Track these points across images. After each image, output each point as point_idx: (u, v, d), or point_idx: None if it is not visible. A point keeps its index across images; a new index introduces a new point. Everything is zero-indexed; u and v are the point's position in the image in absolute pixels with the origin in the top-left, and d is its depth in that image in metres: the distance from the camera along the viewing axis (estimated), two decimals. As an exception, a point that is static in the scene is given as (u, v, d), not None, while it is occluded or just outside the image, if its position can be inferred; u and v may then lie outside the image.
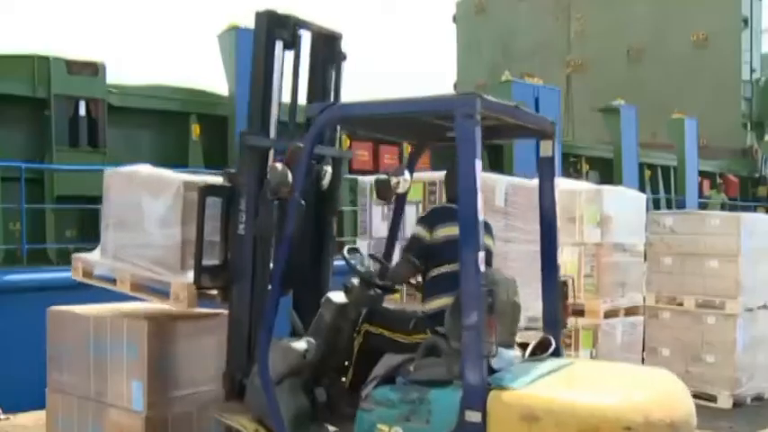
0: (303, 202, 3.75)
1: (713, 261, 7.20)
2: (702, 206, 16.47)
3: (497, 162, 12.53)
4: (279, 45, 4.17)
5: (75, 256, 5.13)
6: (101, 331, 4.47)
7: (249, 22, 4.42)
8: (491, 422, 3.09)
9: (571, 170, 14.39)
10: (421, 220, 3.95)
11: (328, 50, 4.45)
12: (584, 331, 6.06)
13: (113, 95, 9.36)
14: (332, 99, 4.41)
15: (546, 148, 3.88)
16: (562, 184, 6.25)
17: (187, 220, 4.35)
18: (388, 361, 3.73)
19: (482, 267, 3.19)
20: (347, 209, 9.61)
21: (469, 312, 3.17)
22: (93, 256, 4.99)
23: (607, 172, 15.08)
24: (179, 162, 9.72)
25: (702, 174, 18.12)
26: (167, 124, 10.02)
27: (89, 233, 8.97)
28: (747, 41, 22.54)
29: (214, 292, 4.35)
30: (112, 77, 9.44)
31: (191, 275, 4.20)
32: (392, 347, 3.82)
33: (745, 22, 22.33)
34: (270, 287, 3.92)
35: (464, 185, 3.29)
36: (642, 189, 13.84)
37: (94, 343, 4.49)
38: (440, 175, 4.61)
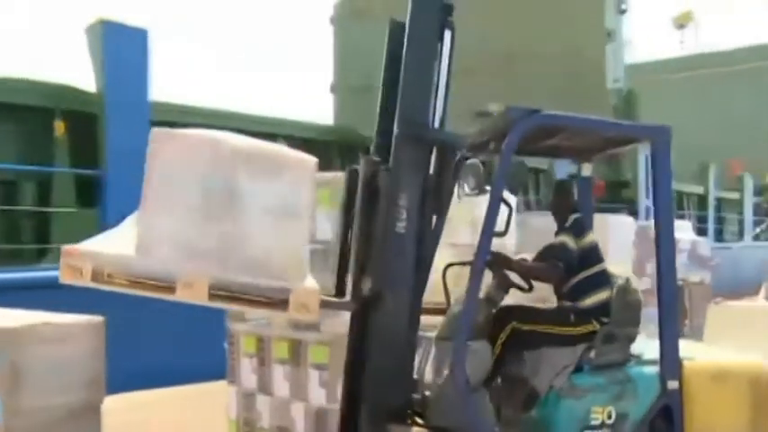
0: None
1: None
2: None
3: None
4: (448, 35, 3.96)
5: (71, 249, 3.58)
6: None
7: (118, 17, 4.21)
8: (688, 386, 4.04)
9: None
10: (568, 230, 4.31)
11: None
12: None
13: (-35, 87, 8.84)
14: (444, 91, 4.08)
15: (587, 168, 4.77)
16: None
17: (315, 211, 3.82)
18: (560, 354, 4.09)
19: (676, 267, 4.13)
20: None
21: (668, 303, 4.07)
22: (111, 249, 3.61)
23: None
24: (42, 161, 9.28)
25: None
26: (27, 121, 9.53)
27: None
28: (612, 52, 23.54)
29: (333, 299, 3.96)
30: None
31: (312, 279, 3.78)
32: (548, 341, 4.15)
33: (610, 34, 23.29)
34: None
35: (662, 200, 4.16)
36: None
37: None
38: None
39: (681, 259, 12.91)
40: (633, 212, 19.25)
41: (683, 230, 15.48)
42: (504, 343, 4.14)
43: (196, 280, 3.55)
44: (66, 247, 3.56)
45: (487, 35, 21.77)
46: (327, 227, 5.07)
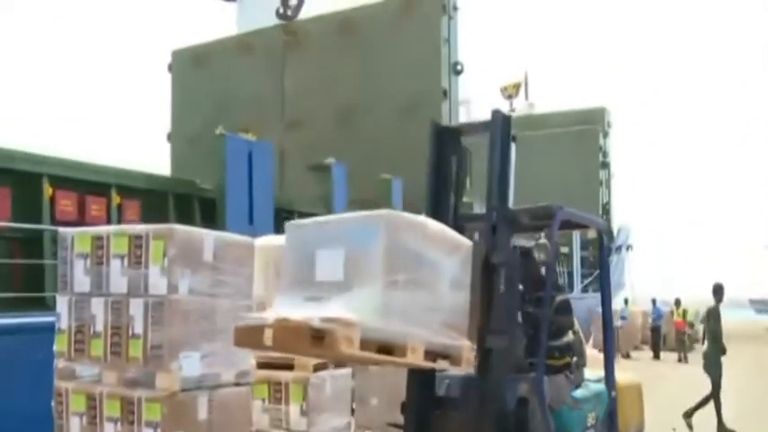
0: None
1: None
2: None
3: (209, 216, 12.40)
4: (513, 146, 5.30)
5: (346, 320, 3.79)
6: None
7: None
8: (619, 394, 6.34)
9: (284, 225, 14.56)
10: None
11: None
12: (293, 385, 6.10)
13: None
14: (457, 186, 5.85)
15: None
16: (273, 240, 6.33)
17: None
18: (559, 379, 5.62)
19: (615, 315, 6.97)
20: (49, 262, 9.01)
21: (609, 342, 6.52)
22: (363, 317, 3.86)
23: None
24: None
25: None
26: None
27: None
28: (447, 111, 24.40)
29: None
30: None
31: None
32: (548, 370, 5.45)
33: (445, 93, 24.14)
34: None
35: (603, 271, 6.77)
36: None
37: None
38: (146, 228, 4.94)
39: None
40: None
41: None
42: None
43: (418, 345, 4.19)
44: (340, 318, 3.78)
45: (325, 89, 22.01)
46: (163, 281, 4.86)
